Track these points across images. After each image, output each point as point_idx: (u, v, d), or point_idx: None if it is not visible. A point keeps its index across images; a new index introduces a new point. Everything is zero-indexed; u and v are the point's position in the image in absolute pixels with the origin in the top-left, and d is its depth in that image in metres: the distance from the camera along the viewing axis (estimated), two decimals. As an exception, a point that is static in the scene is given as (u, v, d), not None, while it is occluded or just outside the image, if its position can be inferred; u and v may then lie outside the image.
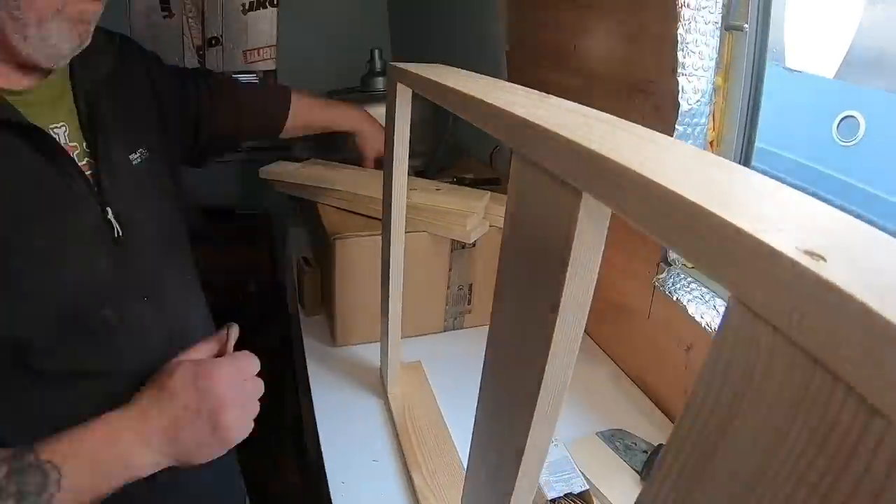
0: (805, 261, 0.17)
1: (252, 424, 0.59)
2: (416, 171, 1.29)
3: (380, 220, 0.90)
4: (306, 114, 1.10)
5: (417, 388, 0.96)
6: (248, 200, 1.97)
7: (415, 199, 1.03)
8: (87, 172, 0.61)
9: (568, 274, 0.31)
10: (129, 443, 0.52)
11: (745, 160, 0.77)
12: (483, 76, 0.58)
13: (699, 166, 0.28)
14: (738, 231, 0.19)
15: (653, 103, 0.77)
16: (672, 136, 0.72)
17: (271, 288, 1.82)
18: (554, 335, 0.32)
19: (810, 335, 0.17)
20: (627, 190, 0.25)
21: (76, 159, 0.60)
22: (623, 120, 0.36)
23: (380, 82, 1.31)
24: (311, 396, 0.95)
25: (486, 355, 0.47)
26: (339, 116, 1.15)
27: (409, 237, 1.01)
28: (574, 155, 0.30)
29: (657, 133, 0.34)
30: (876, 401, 0.15)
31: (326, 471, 0.81)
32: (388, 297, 0.87)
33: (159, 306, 0.68)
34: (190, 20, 1.64)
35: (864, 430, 0.16)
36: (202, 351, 0.64)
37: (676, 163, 0.27)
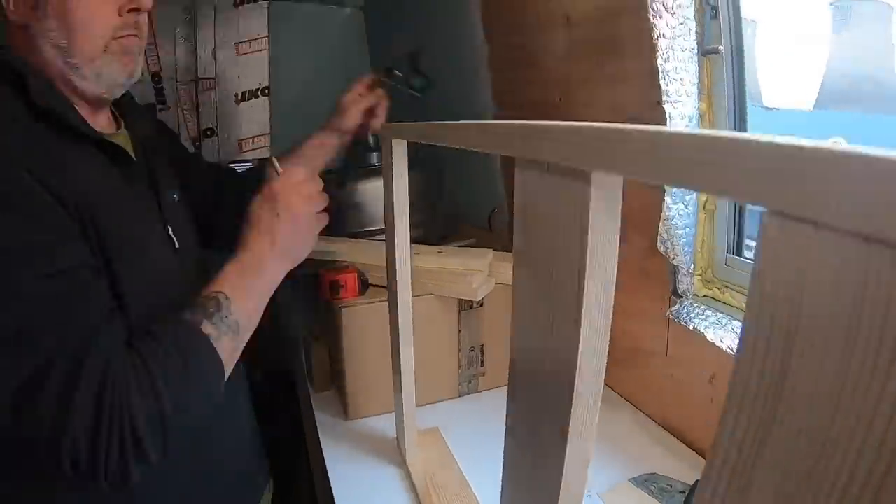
0: (837, 147, 0.17)
1: (317, 230, 0.77)
2: (416, 242, 1.29)
3: (383, 286, 0.89)
4: None
5: (437, 454, 0.92)
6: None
7: (418, 263, 1.03)
8: None
9: (588, 263, 0.30)
10: (262, 267, 0.69)
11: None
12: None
13: (702, 132, 0.28)
14: (769, 143, 0.18)
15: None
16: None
17: (279, 370, 1.78)
18: (582, 321, 0.31)
19: (855, 213, 0.16)
20: (639, 150, 0.25)
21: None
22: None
23: (374, 157, 1.34)
24: (327, 474, 0.91)
25: (508, 394, 0.45)
26: None
27: (416, 301, 0.99)
28: (578, 136, 0.30)
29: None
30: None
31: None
32: (399, 354, 0.85)
33: None
34: (185, 112, 1.70)
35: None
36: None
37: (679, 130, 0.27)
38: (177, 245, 0.74)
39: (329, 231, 0.77)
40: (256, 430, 0.95)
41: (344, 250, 1.14)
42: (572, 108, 0.98)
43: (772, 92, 1.18)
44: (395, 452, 0.94)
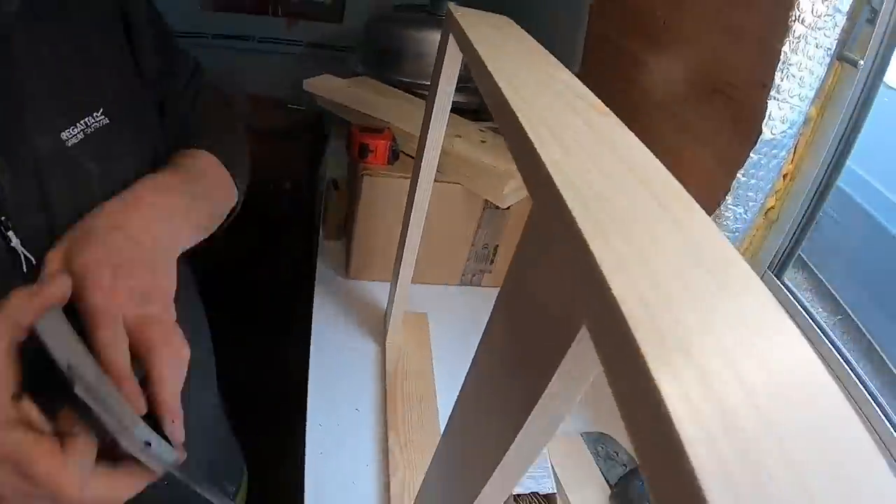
0: None
1: None
2: (469, 109, 1.21)
3: (413, 157, 0.85)
4: None
5: (416, 342, 0.95)
6: (301, 95, 1.90)
7: (457, 148, 0.97)
8: None
9: (546, 394, 0.27)
10: None
11: (820, 198, 0.69)
12: (545, 58, 0.50)
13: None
14: None
15: (731, 113, 0.68)
16: (744, 162, 0.63)
17: (308, 189, 1.80)
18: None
19: None
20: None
21: None
22: (702, 219, 0.27)
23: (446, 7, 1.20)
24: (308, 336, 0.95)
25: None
26: None
27: (443, 186, 0.97)
28: (581, 273, 0.23)
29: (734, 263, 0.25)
30: None
31: (307, 410, 0.81)
32: (404, 245, 0.84)
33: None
34: None
35: None
36: None
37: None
38: (31, 264, 0.42)
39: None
40: (222, 419, 0.79)
41: (387, 109, 1.07)
42: (673, 40, 0.83)
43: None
44: (380, 326, 0.97)
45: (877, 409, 0.58)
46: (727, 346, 0.20)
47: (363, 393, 0.85)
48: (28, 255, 0.41)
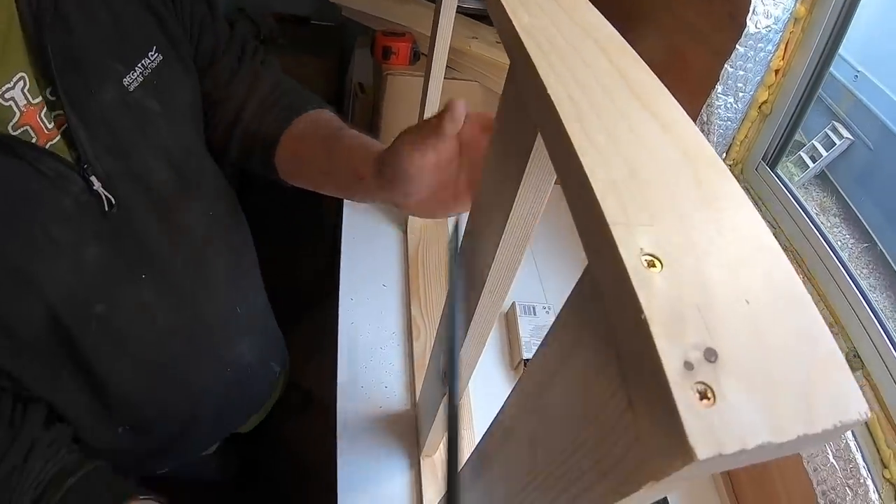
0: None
1: None
2: (487, 16, 1.24)
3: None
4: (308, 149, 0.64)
5: (435, 224, 1.02)
6: (324, 10, 1.93)
7: (473, 48, 1.03)
8: (55, 140, 0.44)
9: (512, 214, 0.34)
10: None
11: (810, 93, 0.74)
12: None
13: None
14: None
15: (728, 10, 0.72)
16: (731, 53, 0.69)
17: (335, 99, 1.86)
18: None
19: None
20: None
21: (32, 134, 0.43)
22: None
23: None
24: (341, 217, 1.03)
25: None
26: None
27: (462, 84, 1.03)
28: (534, 91, 0.28)
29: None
30: None
31: (340, 287, 0.90)
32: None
33: (164, 281, 0.56)
34: None
35: None
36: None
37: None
38: (111, 204, 0.48)
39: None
40: (269, 312, 0.84)
41: (407, 14, 1.12)
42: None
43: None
44: (402, 214, 1.03)
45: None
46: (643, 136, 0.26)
47: (389, 271, 0.94)
48: (108, 195, 0.47)
